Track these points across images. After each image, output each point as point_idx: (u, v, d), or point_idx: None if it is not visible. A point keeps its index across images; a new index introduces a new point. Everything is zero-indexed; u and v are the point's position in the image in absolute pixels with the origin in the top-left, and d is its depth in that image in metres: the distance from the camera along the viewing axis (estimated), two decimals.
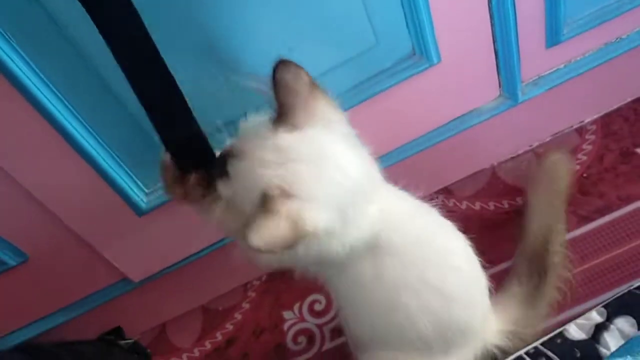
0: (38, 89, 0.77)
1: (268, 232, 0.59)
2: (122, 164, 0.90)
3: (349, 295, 0.80)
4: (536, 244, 0.99)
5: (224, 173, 0.67)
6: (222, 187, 0.68)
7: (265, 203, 0.61)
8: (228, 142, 0.71)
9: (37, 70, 0.76)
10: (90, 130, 0.84)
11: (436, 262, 0.77)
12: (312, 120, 0.65)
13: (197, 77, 0.82)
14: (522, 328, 0.91)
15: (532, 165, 1.13)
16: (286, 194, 0.62)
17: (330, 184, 0.64)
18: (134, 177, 0.93)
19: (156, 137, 0.88)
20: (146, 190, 0.95)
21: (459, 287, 0.79)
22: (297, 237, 0.61)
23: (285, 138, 0.64)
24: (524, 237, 1.02)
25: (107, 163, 0.88)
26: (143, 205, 0.95)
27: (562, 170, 1.08)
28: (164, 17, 0.76)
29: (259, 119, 0.68)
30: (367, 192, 0.69)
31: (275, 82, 0.64)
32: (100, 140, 0.86)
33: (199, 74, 0.83)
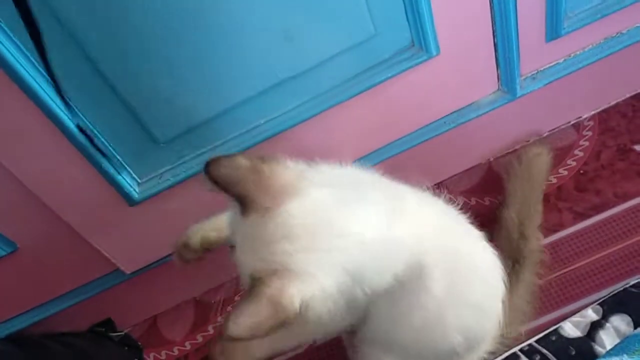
0: (30, 75, 0.76)
1: (248, 319, 0.56)
2: (115, 153, 0.89)
3: (382, 318, 0.75)
4: (512, 231, 1.01)
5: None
6: None
7: (251, 287, 0.59)
8: None
9: (30, 57, 0.75)
10: (81, 117, 0.83)
11: (471, 279, 0.75)
12: (279, 196, 0.60)
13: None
14: (506, 332, 0.90)
15: (513, 159, 1.14)
16: (273, 273, 0.58)
17: (329, 252, 0.60)
18: (126, 166, 0.91)
19: (152, 129, 0.88)
20: (139, 180, 0.94)
21: (490, 301, 0.78)
22: (284, 316, 0.57)
23: (257, 223, 0.60)
24: (499, 228, 1.04)
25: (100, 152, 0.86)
26: (135, 196, 0.93)
27: (541, 163, 1.09)
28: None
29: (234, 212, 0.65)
30: (383, 235, 0.63)
31: (215, 182, 0.60)
32: (94, 129, 0.85)
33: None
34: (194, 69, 0.84)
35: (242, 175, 0.59)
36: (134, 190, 0.93)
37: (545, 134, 1.21)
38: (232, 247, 0.66)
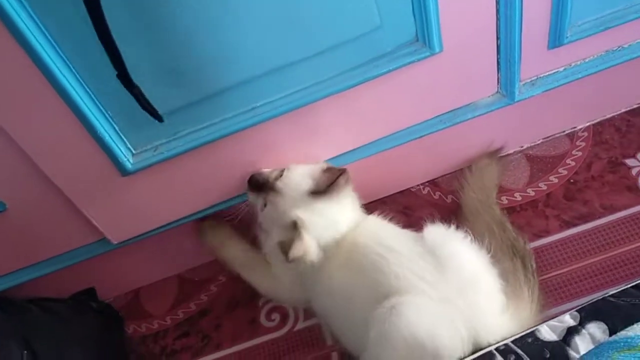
0: (33, 35, 0.76)
1: (296, 250, 0.92)
2: (112, 121, 0.89)
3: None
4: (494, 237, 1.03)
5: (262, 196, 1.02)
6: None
7: (296, 229, 0.94)
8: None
9: (33, 16, 0.75)
10: (83, 83, 0.83)
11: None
12: (336, 197, 0.98)
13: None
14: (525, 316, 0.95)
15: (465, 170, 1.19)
16: (305, 228, 0.95)
17: (324, 233, 0.97)
18: (122, 136, 0.91)
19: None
20: (134, 151, 0.94)
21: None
22: (304, 255, 0.94)
23: (318, 199, 0.97)
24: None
25: (97, 119, 0.87)
26: (129, 166, 0.93)
27: (491, 172, 1.16)
28: None
29: (303, 171, 1.00)
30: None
31: (332, 182, 0.98)
32: (92, 95, 0.85)
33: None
34: (198, 46, 0.84)
35: (341, 183, 0.98)
36: (128, 160, 0.93)
37: (539, 142, 1.23)
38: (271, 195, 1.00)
